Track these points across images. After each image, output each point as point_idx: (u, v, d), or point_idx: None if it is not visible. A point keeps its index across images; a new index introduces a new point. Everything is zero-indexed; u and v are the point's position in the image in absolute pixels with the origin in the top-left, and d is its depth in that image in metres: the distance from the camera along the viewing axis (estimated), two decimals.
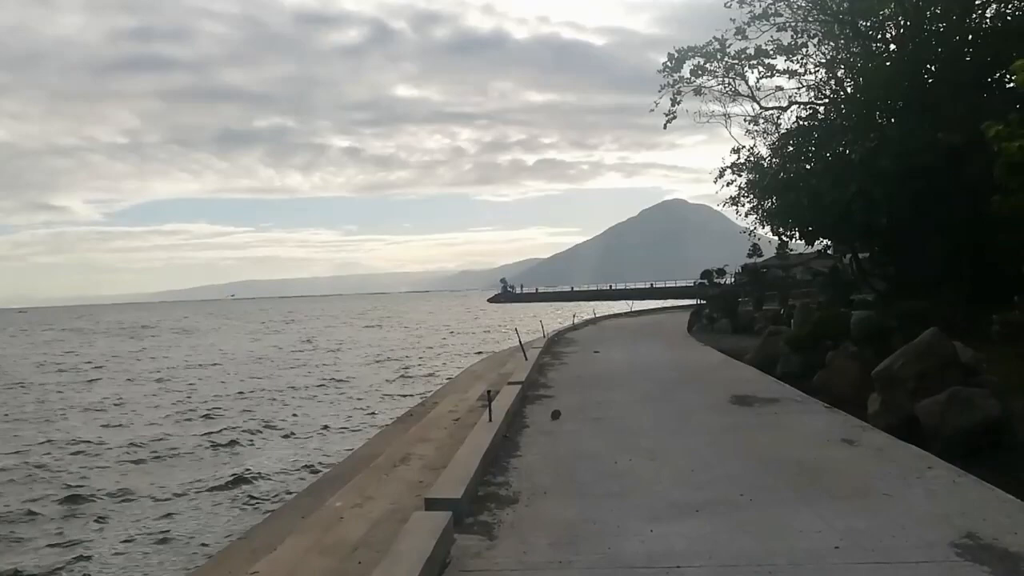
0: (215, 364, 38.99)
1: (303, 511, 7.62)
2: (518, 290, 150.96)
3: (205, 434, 18.16)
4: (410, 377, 26.73)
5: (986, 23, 20.62)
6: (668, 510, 5.85)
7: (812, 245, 28.55)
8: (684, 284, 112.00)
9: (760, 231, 31.63)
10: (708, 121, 32.20)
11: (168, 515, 11.77)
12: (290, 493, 11.86)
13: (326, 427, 18.42)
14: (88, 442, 17.80)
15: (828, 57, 26.80)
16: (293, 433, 17.73)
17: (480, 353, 35.11)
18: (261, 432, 18.14)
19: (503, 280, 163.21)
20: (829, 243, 32.23)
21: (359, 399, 21.94)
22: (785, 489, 6.27)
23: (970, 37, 20.68)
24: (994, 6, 20.43)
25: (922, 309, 13.28)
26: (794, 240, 30.33)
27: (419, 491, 6.98)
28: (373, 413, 19.96)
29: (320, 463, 13.39)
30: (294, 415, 20.70)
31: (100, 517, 11.82)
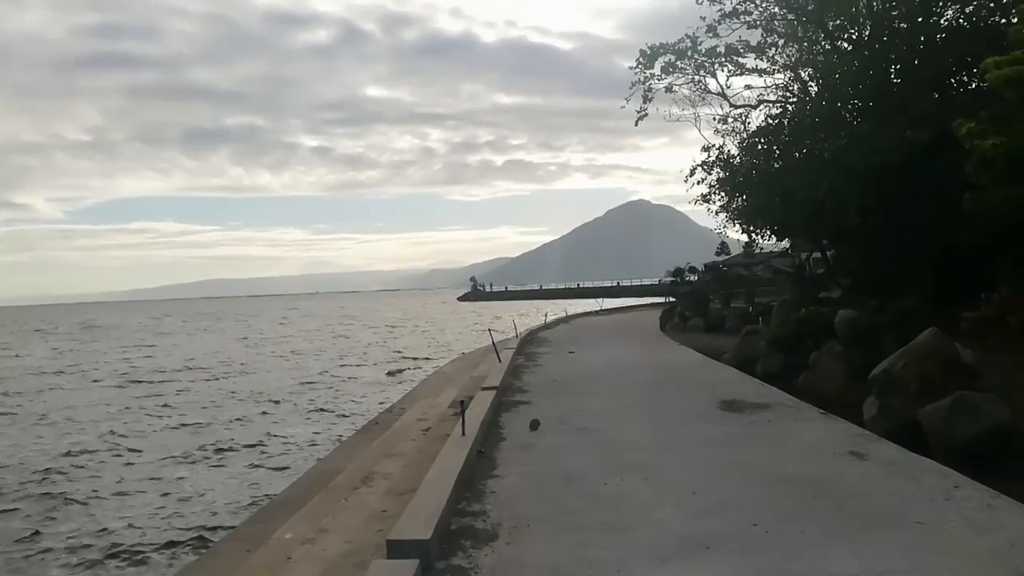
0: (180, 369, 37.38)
1: (250, 543, 6.58)
2: (488, 289, 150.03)
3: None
4: (380, 383, 25.47)
5: (946, 24, 20.33)
6: (674, 546, 4.93)
7: (782, 242, 28.04)
8: (650, 283, 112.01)
9: (729, 230, 31.14)
10: (679, 120, 31.61)
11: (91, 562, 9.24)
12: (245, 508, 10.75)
13: (284, 437, 16.68)
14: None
15: (796, 56, 26.29)
16: (257, 444, 16.23)
17: (452, 351, 34.11)
18: (220, 443, 16.70)
19: (473, 279, 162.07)
20: (794, 242, 31.78)
21: (322, 405, 20.54)
22: (804, 518, 5.38)
23: (936, 37, 20.30)
24: (952, 8, 20.08)
25: (913, 308, 12.55)
26: (764, 239, 29.81)
27: (381, 524, 5.99)
28: (342, 415, 18.63)
29: (273, 483, 12.11)
30: (245, 422, 19.02)
31: None
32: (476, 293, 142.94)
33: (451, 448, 7.68)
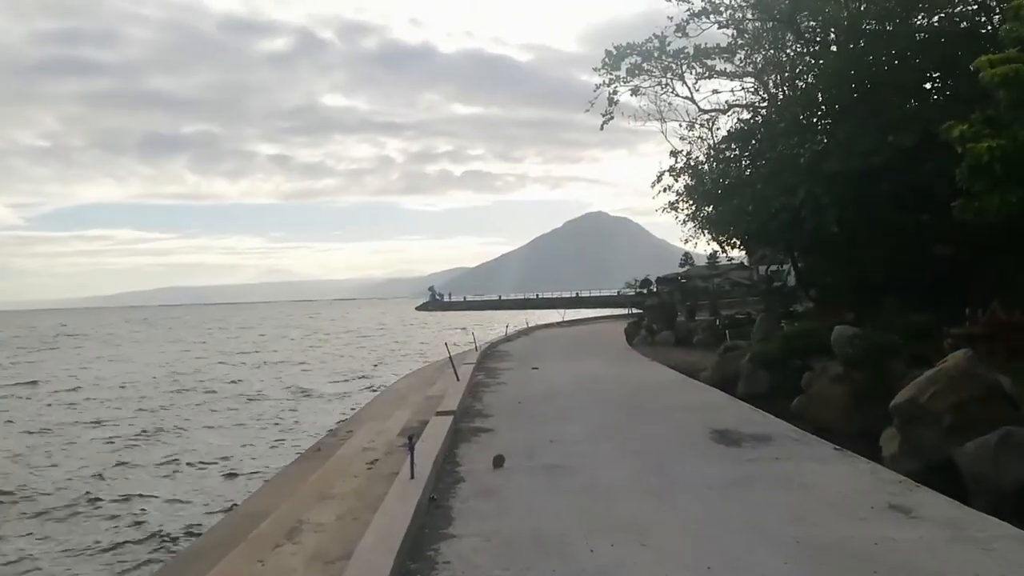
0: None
1: None
2: (446, 298, 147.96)
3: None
4: (323, 396, 23.47)
5: (926, 25, 19.45)
6: None
7: (752, 254, 26.93)
8: (609, 293, 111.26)
9: (697, 240, 30.02)
10: (644, 124, 30.50)
11: None
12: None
13: (213, 463, 14.19)
14: None
15: (766, 59, 25.31)
16: (171, 471, 13.74)
17: (406, 355, 32.25)
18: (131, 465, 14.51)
19: (431, 288, 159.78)
20: (760, 254, 30.71)
21: (262, 425, 18.43)
22: None
23: (915, 38, 19.40)
24: (934, 13, 19.21)
25: (923, 323, 11.27)
26: (733, 249, 28.71)
27: None
28: (280, 440, 16.54)
29: (190, 526, 10.19)
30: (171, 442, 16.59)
31: None
32: (435, 303, 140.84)
33: (395, 499, 6.06)
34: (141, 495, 11.99)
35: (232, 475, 13.04)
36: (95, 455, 15.24)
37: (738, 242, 25.69)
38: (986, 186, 11.54)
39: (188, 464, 14.13)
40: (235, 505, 10.23)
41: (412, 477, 6.62)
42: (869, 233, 18.87)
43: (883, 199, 17.77)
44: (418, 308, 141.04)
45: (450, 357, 13.75)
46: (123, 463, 14.47)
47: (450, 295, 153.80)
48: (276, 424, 18.50)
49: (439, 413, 10.02)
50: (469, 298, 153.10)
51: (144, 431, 17.92)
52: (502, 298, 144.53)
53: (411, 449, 6.86)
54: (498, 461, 7.83)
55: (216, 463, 14.09)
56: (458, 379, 13.43)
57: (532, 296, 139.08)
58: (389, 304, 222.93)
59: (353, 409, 18.19)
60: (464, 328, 50.40)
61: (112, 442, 16.68)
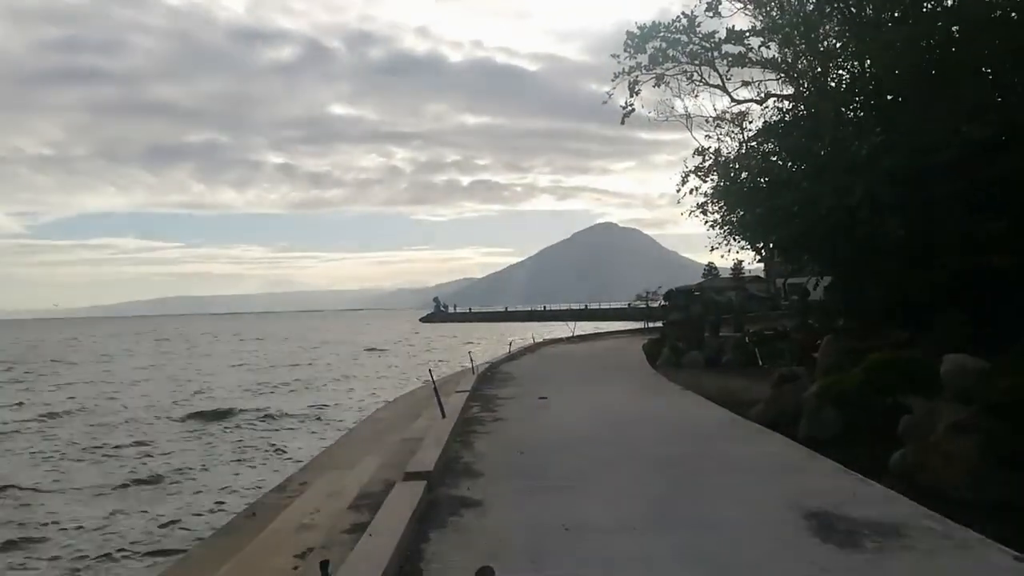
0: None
1: None
2: (451, 309, 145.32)
3: None
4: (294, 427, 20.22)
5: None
6: None
7: (793, 262, 23.95)
8: (619, 306, 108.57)
9: (720, 249, 27.18)
10: (667, 119, 27.66)
11: None
12: None
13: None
14: None
15: (809, 40, 22.48)
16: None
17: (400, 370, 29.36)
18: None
19: (436, 299, 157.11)
20: (803, 263, 27.74)
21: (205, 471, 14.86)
22: None
23: (997, 13, 16.64)
24: None
25: None
26: (771, 257, 25.77)
27: None
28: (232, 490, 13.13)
29: None
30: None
31: None
32: (439, 314, 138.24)
33: None
34: None
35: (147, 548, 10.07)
36: None
37: (775, 250, 22.82)
38: None
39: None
40: None
41: None
42: (933, 240, 16.32)
43: (951, 200, 15.25)
44: (422, 320, 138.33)
45: (436, 392, 10.85)
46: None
47: (455, 306, 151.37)
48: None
49: (408, 476, 7.15)
50: (474, 310, 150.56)
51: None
52: (508, 310, 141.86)
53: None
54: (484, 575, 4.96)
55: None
56: (444, 416, 10.54)
57: (539, 308, 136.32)
58: (395, 315, 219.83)
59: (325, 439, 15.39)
60: (470, 340, 47.21)
61: None
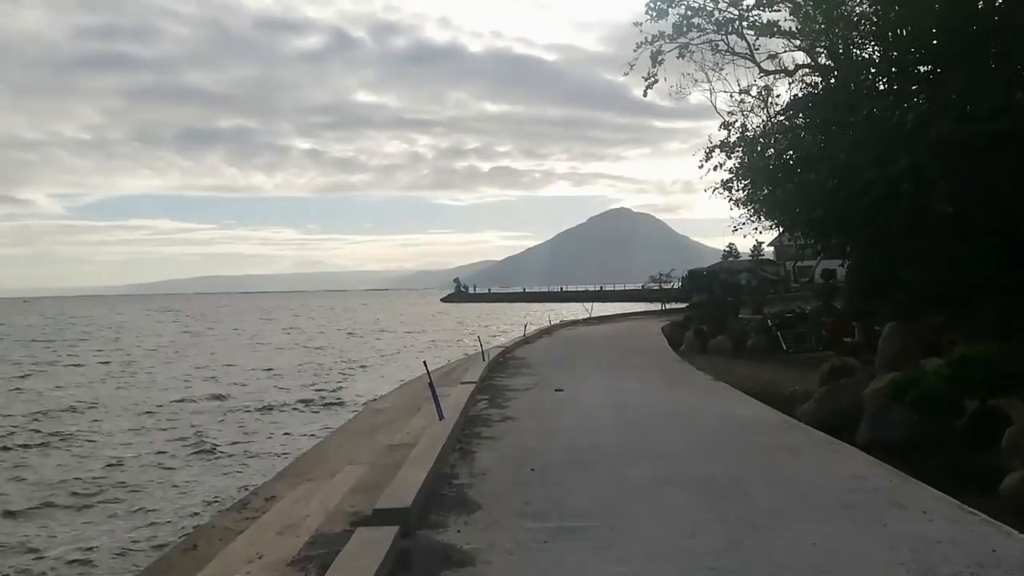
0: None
1: None
2: (471, 290, 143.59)
3: None
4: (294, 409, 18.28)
5: None
6: None
7: (825, 243, 21.70)
8: (634, 287, 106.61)
9: (744, 229, 25.02)
10: (691, 92, 25.39)
11: None
12: None
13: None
14: None
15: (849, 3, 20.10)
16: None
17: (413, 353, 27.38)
18: None
19: (456, 280, 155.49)
20: (837, 242, 25.50)
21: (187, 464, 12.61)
22: None
23: None
24: None
25: None
26: (801, 237, 23.49)
27: None
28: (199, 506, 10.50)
29: None
30: None
31: None
32: (460, 294, 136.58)
33: None
34: None
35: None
36: None
37: (806, 229, 20.61)
38: None
39: None
40: None
41: None
42: (984, 216, 14.40)
43: (1005, 173, 13.34)
44: (443, 299, 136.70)
45: (430, 384, 8.83)
46: None
47: (475, 287, 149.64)
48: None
49: (376, 514, 5.13)
50: (494, 290, 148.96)
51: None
52: (526, 290, 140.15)
53: None
54: None
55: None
56: (442, 418, 8.53)
57: (556, 289, 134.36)
58: (418, 295, 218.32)
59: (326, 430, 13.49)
60: (485, 321, 45.02)
61: None
